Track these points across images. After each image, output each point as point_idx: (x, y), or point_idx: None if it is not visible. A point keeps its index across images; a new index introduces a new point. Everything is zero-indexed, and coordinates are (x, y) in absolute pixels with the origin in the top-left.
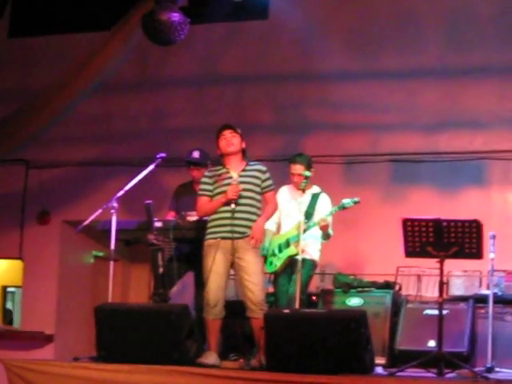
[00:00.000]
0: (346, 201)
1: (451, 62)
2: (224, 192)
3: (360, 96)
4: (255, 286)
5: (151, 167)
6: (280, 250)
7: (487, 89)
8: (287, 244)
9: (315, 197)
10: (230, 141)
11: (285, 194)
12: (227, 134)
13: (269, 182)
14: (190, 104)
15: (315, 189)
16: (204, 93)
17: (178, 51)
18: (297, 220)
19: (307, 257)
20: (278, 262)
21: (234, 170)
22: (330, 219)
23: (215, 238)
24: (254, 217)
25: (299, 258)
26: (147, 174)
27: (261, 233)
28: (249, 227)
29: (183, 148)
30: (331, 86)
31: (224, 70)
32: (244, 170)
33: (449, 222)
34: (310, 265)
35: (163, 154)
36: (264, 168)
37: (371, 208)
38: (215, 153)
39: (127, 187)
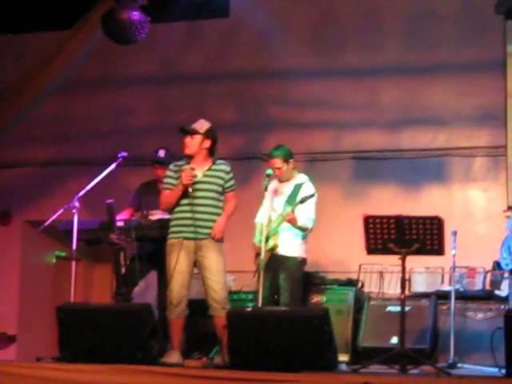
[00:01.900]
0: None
1: (412, 60)
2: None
3: (322, 94)
4: (218, 285)
5: (112, 166)
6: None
7: (448, 86)
8: (267, 238)
9: (297, 187)
10: (186, 143)
11: (272, 186)
12: (186, 137)
13: (231, 183)
14: (151, 103)
15: (300, 178)
16: (166, 91)
17: (139, 50)
18: (279, 212)
19: (286, 253)
20: (261, 257)
21: (199, 168)
22: (304, 210)
23: (178, 238)
24: (215, 217)
25: (262, 253)
26: (109, 174)
27: (220, 231)
28: (211, 227)
29: (145, 147)
30: (293, 84)
31: (186, 69)
32: (209, 170)
33: (410, 218)
34: (293, 262)
35: (125, 153)
36: (228, 168)
37: (334, 205)
38: (179, 152)
39: (89, 187)
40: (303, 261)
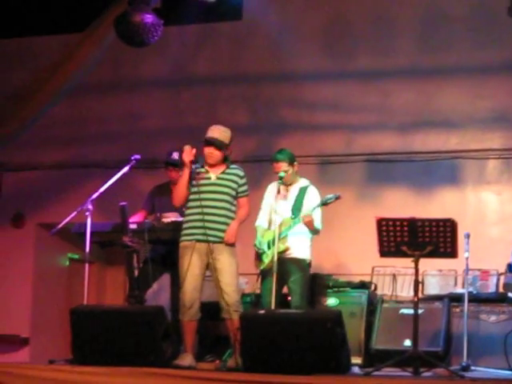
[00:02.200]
0: (328, 196)
1: (425, 62)
2: (199, 192)
3: (334, 96)
4: (230, 288)
5: (125, 169)
6: (269, 247)
7: (461, 89)
8: (274, 241)
9: (302, 191)
10: (210, 154)
11: (272, 190)
12: (208, 150)
13: (245, 188)
14: (164, 105)
15: (303, 182)
16: (178, 94)
17: (152, 53)
18: (285, 216)
19: (297, 255)
20: (266, 260)
21: (213, 171)
22: (317, 214)
23: (190, 240)
24: (229, 220)
25: (275, 256)
26: (122, 176)
27: (233, 235)
28: (223, 231)
29: (158, 150)
30: (306, 87)
31: (198, 72)
32: (223, 173)
33: (423, 221)
34: (303, 265)
35: (137, 156)
36: (242, 173)
37: (346, 208)
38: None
39: (102, 189)
40: (310, 263)
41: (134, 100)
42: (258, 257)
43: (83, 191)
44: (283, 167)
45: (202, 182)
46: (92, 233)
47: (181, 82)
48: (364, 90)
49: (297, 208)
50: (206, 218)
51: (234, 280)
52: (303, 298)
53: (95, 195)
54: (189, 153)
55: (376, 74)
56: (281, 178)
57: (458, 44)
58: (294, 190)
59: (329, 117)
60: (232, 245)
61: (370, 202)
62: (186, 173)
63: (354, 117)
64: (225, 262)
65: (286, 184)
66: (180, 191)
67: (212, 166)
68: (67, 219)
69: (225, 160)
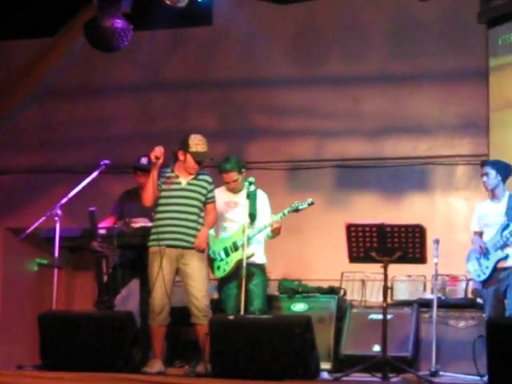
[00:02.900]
0: (300, 202)
1: (395, 68)
2: (170, 196)
3: (305, 102)
4: (200, 293)
5: (95, 174)
6: (227, 254)
7: (431, 95)
8: (235, 248)
9: (252, 195)
10: (199, 169)
11: (221, 197)
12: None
13: (212, 194)
14: (134, 110)
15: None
16: (149, 99)
17: (122, 58)
18: (240, 223)
19: (256, 260)
20: (226, 267)
21: (183, 176)
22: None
23: (159, 245)
24: (198, 226)
25: (244, 262)
26: (91, 181)
27: (204, 242)
28: (194, 236)
29: (128, 154)
30: (276, 92)
31: (169, 77)
32: (194, 179)
33: (392, 226)
34: (261, 269)
35: (107, 161)
36: (210, 179)
37: (316, 214)
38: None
39: (71, 194)
40: (266, 267)
41: (104, 105)
42: (212, 264)
43: (52, 196)
44: (234, 177)
45: (173, 186)
46: (61, 238)
47: (151, 87)
48: (334, 96)
49: (253, 214)
50: (177, 223)
51: (203, 285)
52: (265, 302)
53: (64, 200)
54: (157, 152)
55: (347, 80)
56: (250, 184)
57: (429, 50)
58: (243, 196)
59: (299, 122)
60: (202, 251)
61: (340, 208)
62: (154, 171)
63: (325, 122)
64: (195, 267)
65: (234, 191)
66: (149, 190)
67: (185, 171)
68: (36, 224)
69: None
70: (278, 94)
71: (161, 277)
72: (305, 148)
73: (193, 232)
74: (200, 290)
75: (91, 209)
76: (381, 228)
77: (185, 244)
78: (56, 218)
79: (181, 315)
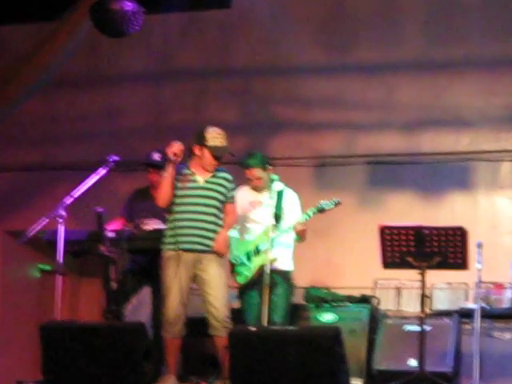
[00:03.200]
0: (325, 202)
1: (434, 54)
2: (186, 196)
3: (333, 92)
4: (219, 302)
5: (103, 171)
6: (249, 259)
7: (473, 84)
8: (257, 252)
9: (279, 195)
10: (218, 165)
11: (245, 196)
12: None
13: (233, 193)
14: (145, 102)
15: (277, 185)
16: (161, 89)
17: (132, 44)
18: (264, 224)
19: (282, 267)
20: (248, 273)
21: (201, 174)
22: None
23: (175, 250)
24: (218, 228)
25: (267, 268)
26: (98, 179)
27: (225, 245)
28: (212, 239)
29: (138, 150)
30: (301, 81)
31: (183, 64)
32: (212, 177)
33: (431, 229)
34: (288, 277)
35: (116, 157)
36: (230, 177)
37: (346, 215)
38: None
39: (76, 194)
40: (292, 275)
41: (112, 96)
42: (234, 269)
43: (55, 196)
44: (257, 173)
45: (189, 185)
46: (65, 241)
47: (164, 76)
48: (366, 85)
49: (278, 215)
50: (194, 224)
51: (223, 293)
52: (287, 314)
53: (69, 200)
54: (176, 148)
55: (379, 67)
56: (273, 181)
57: (471, 34)
58: (268, 195)
59: (327, 114)
60: (221, 255)
61: (373, 208)
62: (170, 169)
63: (355, 114)
64: (213, 273)
65: (258, 190)
66: (164, 190)
67: (202, 168)
68: (38, 226)
69: None
70: (304, 83)
71: (176, 284)
72: (333, 142)
73: (211, 235)
74: (219, 298)
75: (98, 209)
76: (418, 231)
77: (202, 248)
78: (60, 220)
79: (197, 326)
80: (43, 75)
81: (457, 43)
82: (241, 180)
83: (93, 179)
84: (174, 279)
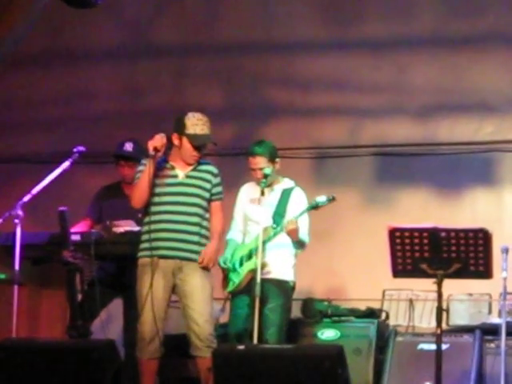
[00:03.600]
0: (319, 198)
1: (452, 28)
2: (164, 193)
3: (335, 72)
4: (202, 317)
5: (66, 164)
6: (241, 264)
7: (498, 63)
8: (249, 256)
9: (286, 193)
10: (200, 155)
11: (248, 193)
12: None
13: (219, 189)
14: (117, 83)
15: (287, 183)
16: (135, 69)
17: (102, 16)
18: (263, 225)
19: (278, 276)
20: (236, 279)
21: (181, 167)
22: (304, 222)
23: (151, 256)
24: (202, 230)
25: (258, 275)
26: (61, 174)
27: (212, 259)
28: (195, 243)
29: (108, 140)
30: (299, 60)
31: (161, 40)
32: (193, 170)
33: (449, 231)
34: (285, 288)
35: (82, 148)
36: (216, 170)
37: (350, 215)
38: None
39: (35, 190)
40: (294, 286)
41: (78, 77)
42: (226, 277)
43: (11, 192)
44: (261, 163)
45: (167, 181)
46: (22, 246)
47: (138, 54)
48: (373, 65)
49: (279, 215)
50: (173, 227)
51: (206, 308)
52: (281, 331)
53: (27, 198)
54: (157, 141)
55: (389, 44)
56: (266, 177)
57: (495, 5)
58: (274, 193)
59: (328, 98)
60: (207, 269)
61: (381, 207)
62: (150, 164)
63: (361, 98)
64: (196, 284)
65: (261, 189)
66: (141, 189)
67: (182, 161)
68: None
69: None
70: (301, 63)
71: (152, 295)
72: (335, 131)
73: (194, 238)
74: (202, 313)
75: (61, 209)
76: (434, 233)
77: (183, 254)
78: (16, 221)
79: (177, 345)
80: None
81: (479, 15)
82: (231, 175)
83: (55, 173)
84: (150, 290)
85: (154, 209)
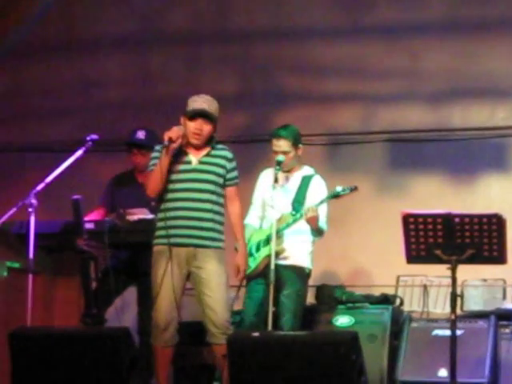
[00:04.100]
0: (340, 188)
1: (466, 13)
2: (178, 180)
3: (348, 58)
4: (218, 304)
5: (79, 153)
6: (258, 249)
7: (510, 48)
8: (267, 241)
9: (306, 180)
10: (199, 133)
11: (268, 178)
12: (195, 124)
13: (234, 174)
14: (129, 71)
15: (306, 170)
16: (146, 57)
17: (113, 5)
18: (281, 211)
19: (295, 262)
20: (252, 264)
21: (194, 153)
22: (323, 210)
23: (166, 244)
24: (216, 217)
25: (272, 262)
26: (74, 162)
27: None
28: (210, 230)
29: (120, 128)
30: (311, 46)
31: (173, 27)
32: (207, 155)
33: (462, 217)
34: (302, 275)
35: (95, 136)
36: (231, 155)
37: (364, 201)
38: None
39: (49, 179)
40: (310, 273)
41: (90, 65)
42: None
43: (25, 181)
44: (284, 147)
45: (181, 167)
46: (36, 234)
47: (150, 41)
48: (386, 50)
49: (298, 202)
50: (187, 214)
51: (223, 295)
52: (296, 318)
53: (40, 186)
54: (174, 132)
55: (402, 30)
56: (279, 164)
57: None
58: (294, 180)
59: (341, 84)
60: (221, 250)
61: (395, 193)
62: (165, 156)
63: (374, 84)
64: (211, 271)
65: (284, 170)
66: (156, 178)
67: (193, 146)
68: (4, 217)
69: (210, 139)
70: (314, 49)
71: (167, 283)
72: (348, 117)
73: (208, 225)
74: (218, 300)
75: (75, 197)
76: (447, 219)
77: (197, 241)
78: (30, 209)
79: (191, 332)
80: (9, 41)
81: (491, 0)
82: (243, 162)
83: (68, 162)
84: (165, 278)
85: (168, 196)
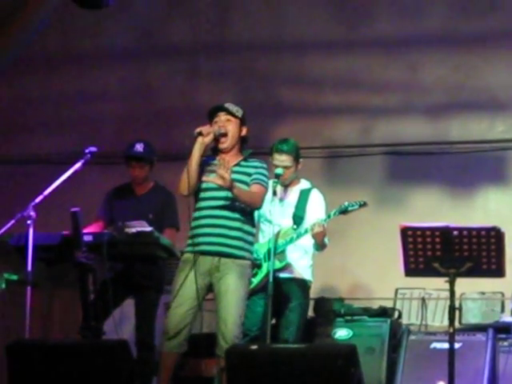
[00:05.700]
0: (349, 203)
1: (464, 26)
2: (207, 189)
3: (347, 71)
4: (231, 318)
5: (78, 165)
6: (265, 261)
7: (509, 61)
8: (269, 256)
9: (304, 194)
10: (223, 124)
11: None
12: (221, 117)
13: (258, 176)
14: (129, 84)
15: (304, 183)
16: (146, 70)
17: (113, 18)
18: (282, 225)
19: (299, 275)
20: (254, 279)
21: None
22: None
23: (192, 252)
24: (244, 226)
25: (271, 276)
26: (73, 174)
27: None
28: (236, 238)
29: (121, 140)
30: (310, 59)
31: (172, 40)
32: (237, 165)
33: (461, 230)
34: (303, 288)
35: (94, 149)
36: (260, 164)
37: (363, 214)
38: (163, 146)
39: (47, 191)
40: (310, 286)
41: (89, 77)
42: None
43: (23, 193)
44: (286, 161)
45: (212, 176)
46: (35, 247)
47: (149, 54)
48: (385, 63)
49: (298, 216)
50: (213, 222)
51: (237, 309)
52: (299, 331)
53: (39, 199)
54: (205, 127)
55: (400, 43)
56: (277, 177)
57: (506, 3)
58: (293, 193)
59: (340, 98)
60: (245, 262)
61: (393, 206)
62: (195, 151)
63: (373, 97)
64: (230, 285)
65: (283, 184)
66: (187, 173)
67: (223, 153)
68: (3, 229)
69: (241, 148)
70: (313, 61)
71: (186, 291)
72: (347, 130)
73: (235, 233)
74: (231, 314)
75: (74, 210)
76: (446, 232)
77: (222, 249)
78: (29, 222)
79: (191, 344)
80: (7, 54)
81: (490, 13)
82: None
83: (67, 174)
84: (184, 285)
85: (198, 204)
